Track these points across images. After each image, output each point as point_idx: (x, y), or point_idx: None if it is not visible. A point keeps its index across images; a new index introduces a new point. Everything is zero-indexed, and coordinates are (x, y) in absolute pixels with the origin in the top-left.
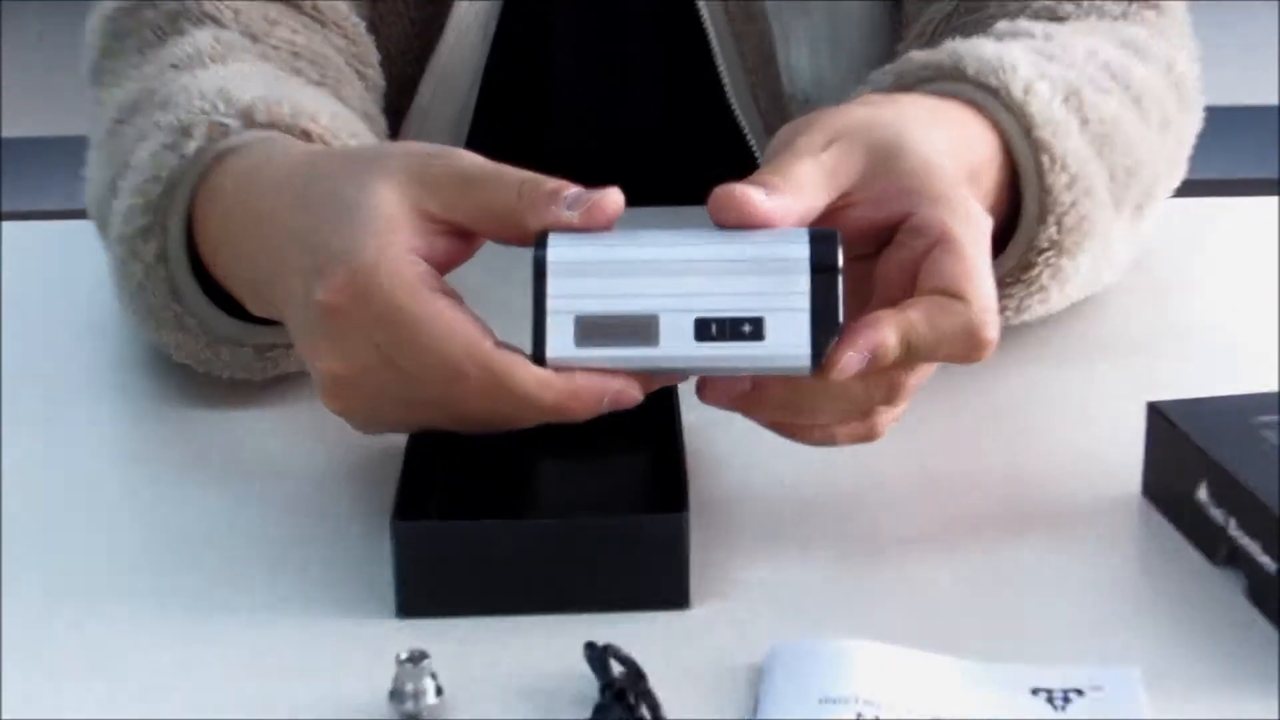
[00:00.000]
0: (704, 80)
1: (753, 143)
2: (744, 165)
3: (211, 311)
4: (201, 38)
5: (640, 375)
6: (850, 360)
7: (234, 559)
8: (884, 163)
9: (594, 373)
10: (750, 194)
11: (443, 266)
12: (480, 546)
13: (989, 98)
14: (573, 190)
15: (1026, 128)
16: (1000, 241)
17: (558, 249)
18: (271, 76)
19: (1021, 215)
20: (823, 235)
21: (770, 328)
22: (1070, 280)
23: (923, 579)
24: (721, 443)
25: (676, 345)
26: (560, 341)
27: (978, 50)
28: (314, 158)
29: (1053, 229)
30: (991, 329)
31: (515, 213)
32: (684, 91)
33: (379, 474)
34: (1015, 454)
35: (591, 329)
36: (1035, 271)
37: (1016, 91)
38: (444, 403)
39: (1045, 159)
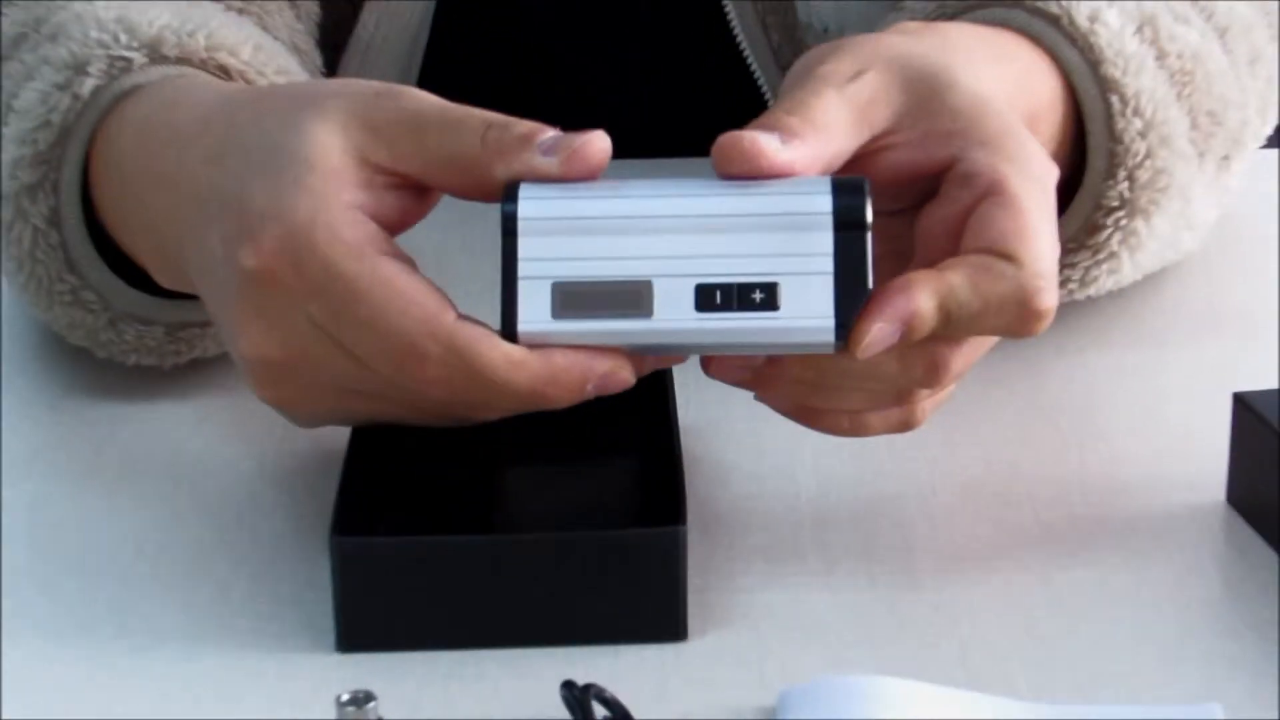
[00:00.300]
0: (704, 6)
1: (762, 82)
2: (751, 109)
3: (113, 283)
4: None
5: (632, 353)
6: (879, 333)
7: (141, 582)
8: (927, 99)
9: (576, 350)
10: (762, 142)
11: (392, 227)
12: (437, 567)
13: (1048, 28)
14: (549, 134)
15: (1093, 63)
16: (1062, 201)
17: (530, 203)
18: (182, 2)
19: (1087, 169)
20: (848, 185)
21: (786, 295)
22: (1144, 246)
23: (965, 604)
24: (725, 443)
25: (674, 316)
26: (534, 312)
27: None
28: (234, 99)
29: (1124, 185)
30: (1047, 296)
31: (479, 161)
32: (679, 20)
33: (318, 479)
34: (1075, 455)
35: (572, 298)
36: (1103, 235)
37: (1081, 20)
38: (396, 389)
39: (1115, 100)
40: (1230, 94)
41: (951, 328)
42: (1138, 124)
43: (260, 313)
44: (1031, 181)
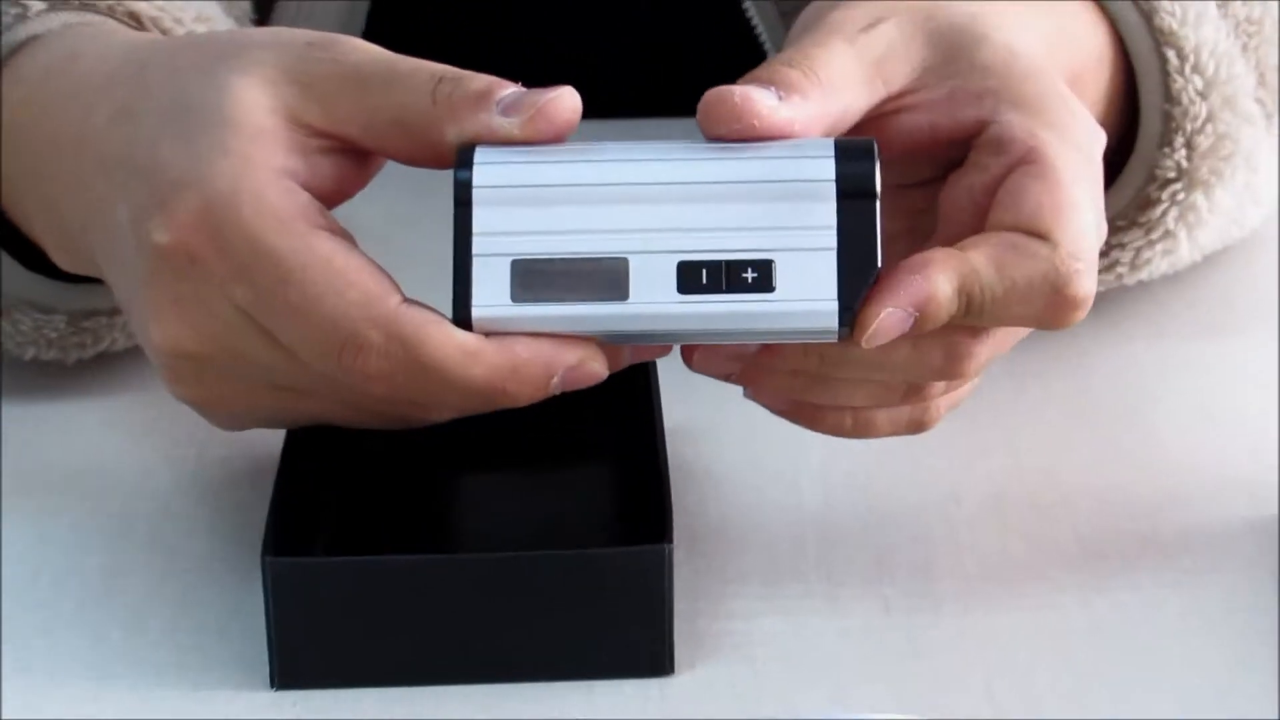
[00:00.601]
0: None
1: (764, 37)
2: (747, 64)
3: (6, 265)
4: None
5: (605, 343)
6: (888, 319)
7: (41, 610)
8: (953, 55)
9: (540, 339)
10: (755, 97)
11: (328, 197)
12: (386, 592)
13: None
14: (509, 90)
15: (1146, 13)
16: (1110, 172)
17: (487, 168)
18: None
19: (1139, 134)
20: (854, 147)
21: (782, 274)
22: (1204, 223)
23: (992, 632)
24: (717, 447)
25: (653, 299)
26: (491, 295)
27: None
28: (146, 50)
29: (1181, 153)
30: (1084, 281)
31: (428, 121)
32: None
33: (247, 491)
34: (1119, 462)
35: (534, 277)
36: (1158, 211)
37: None
38: (332, 385)
39: (1171, 55)
40: None
41: (973, 316)
42: (1198, 82)
43: (175, 297)
44: (1074, 150)
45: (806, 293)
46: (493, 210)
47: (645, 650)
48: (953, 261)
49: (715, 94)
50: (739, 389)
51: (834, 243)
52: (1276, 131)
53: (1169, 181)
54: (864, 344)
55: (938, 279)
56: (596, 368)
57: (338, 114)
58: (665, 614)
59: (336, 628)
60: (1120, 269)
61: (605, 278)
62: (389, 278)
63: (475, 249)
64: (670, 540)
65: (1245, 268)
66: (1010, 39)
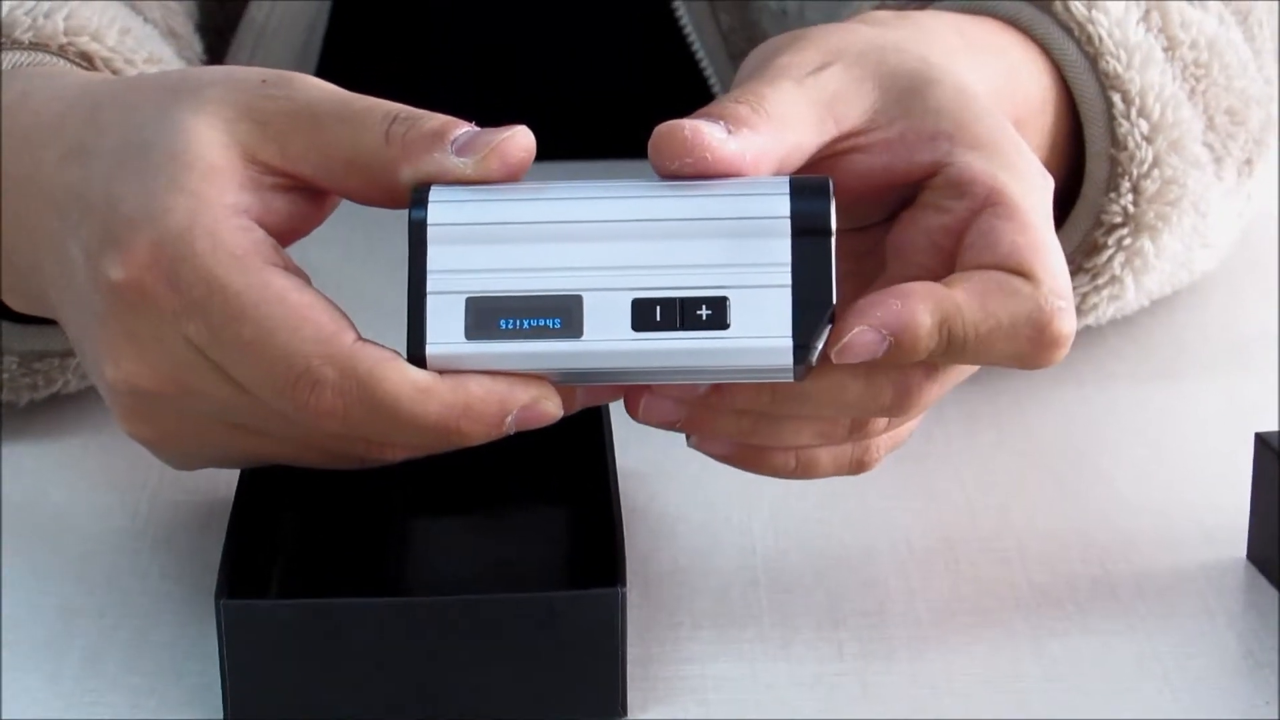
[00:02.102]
0: None
1: (709, 72)
2: (695, 102)
3: None
4: None
5: (560, 383)
6: (861, 337)
7: (2, 651)
8: (905, 96)
9: (494, 377)
10: (705, 131)
11: (284, 234)
12: (340, 635)
13: (1040, 15)
14: (462, 129)
15: (1091, 56)
16: (1057, 216)
17: (442, 207)
18: None
19: (1085, 179)
20: (809, 185)
21: (736, 311)
22: (1151, 268)
23: (945, 677)
24: (670, 490)
25: (607, 336)
26: (445, 332)
27: None
28: (98, 89)
29: (1127, 198)
30: (1066, 319)
31: (382, 161)
32: (616, 2)
33: (201, 532)
34: (1073, 505)
35: (488, 314)
36: (1104, 257)
37: (1078, 5)
38: (286, 423)
39: (1117, 99)
40: (1253, 89)
41: (953, 352)
42: (1143, 126)
43: (129, 335)
44: (1033, 192)
45: (761, 330)
46: (447, 248)
47: (598, 693)
48: (935, 294)
49: (666, 128)
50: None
51: (789, 280)
52: (1228, 176)
53: (1115, 226)
54: (833, 358)
55: (918, 308)
56: (550, 407)
57: (292, 152)
58: (618, 657)
59: (290, 670)
60: None
61: (559, 314)
62: (344, 315)
63: (430, 286)
64: (623, 584)
65: (1195, 310)
66: (960, 82)
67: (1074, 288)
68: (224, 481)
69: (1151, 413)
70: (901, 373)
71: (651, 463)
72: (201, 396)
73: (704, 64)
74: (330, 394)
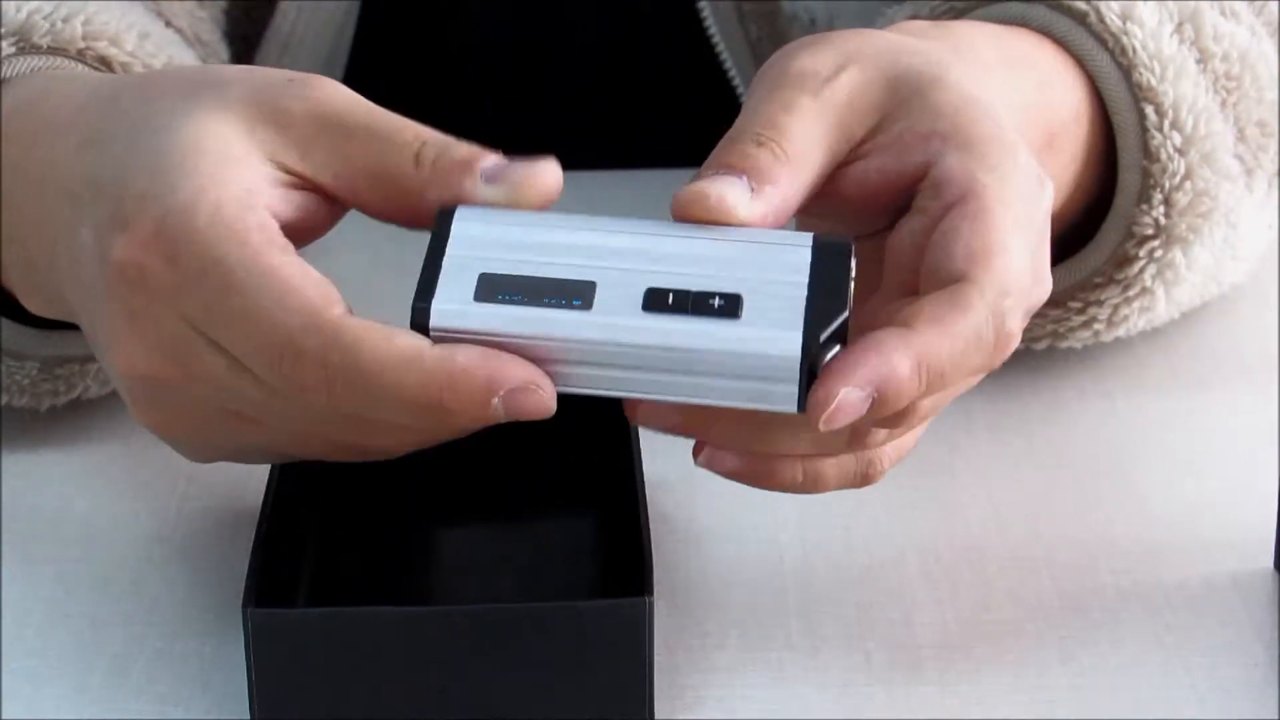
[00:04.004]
0: None
1: (736, 80)
2: (722, 108)
3: None
4: None
5: (559, 369)
6: (849, 400)
7: (23, 661)
8: (908, 97)
9: (484, 351)
10: (730, 200)
11: (294, 234)
12: (367, 644)
13: (1074, 27)
14: (491, 160)
15: (1125, 68)
16: (1089, 228)
17: (468, 221)
18: None
19: (1118, 190)
20: (832, 247)
21: (750, 307)
22: (1182, 280)
23: (973, 687)
24: (697, 500)
25: (616, 312)
26: (455, 294)
27: None
28: (117, 84)
29: (1159, 210)
30: (1014, 317)
31: (410, 183)
32: (644, 11)
33: (229, 541)
34: (1101, 516)
35: (500, 286)
36: (1135, 268)
37: (1112, 18)
38: (278, 404)
39: (1150, 111)
40: None
41: (936, 388)
42: (1176, 139)
43: (130, 316)
44: (1015, 199)
45: (772, 324)
46: (473, 226)
47: (625, 703)
48: (906, 340)
49: (689, 195)
50: None
51: (805, 285)
52: (1259, 188)
53: (1147, 238)
54: (821, 426)
55: (894, 357)
56: (543, 397)
57: (314, 158)
58: (646, 667)
59: (317, 678)
60: (1097, 325)
61: (572, 291)
62: (334, 290)
63: (448, 253)
64: (651, 593)
65: (1224, 320)
66: (968, 85)
67: (1105, 299)
68: (252, 489)
69: (1179, 423)
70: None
71: (679, 472)
72: (201, 380)
73: (731, 73)
74: (311, 365)
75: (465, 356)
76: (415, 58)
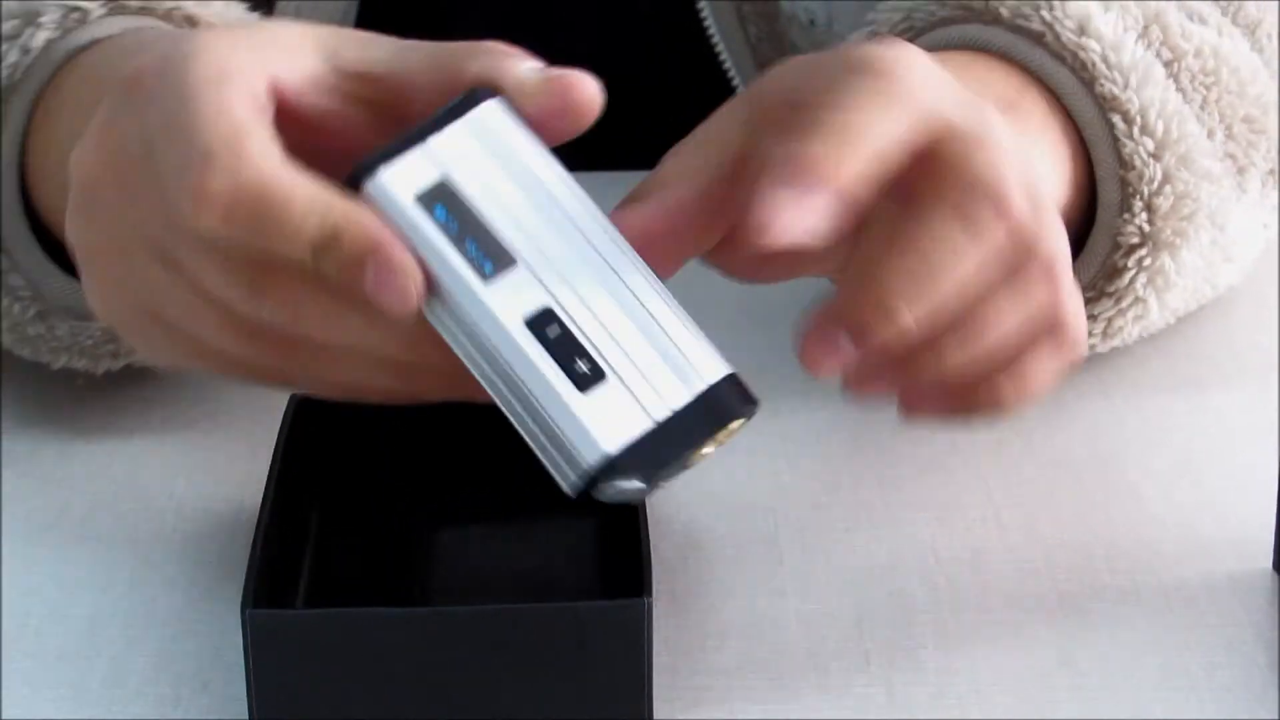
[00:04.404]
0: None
1: (737, 84)
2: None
3: (47, 269)
4: None
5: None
6: (817, 342)
7: (21, 662)
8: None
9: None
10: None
11: (321, 127)
12: (366, 644)
13: (1033, 48)
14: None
15: (1088, 82)
16: (1076, 245)
17: (485, 117)
18: None
19: (1099, 203)
20: (719, 399)
21: (602, 392)
22: (1173, 285)
23: (973, 688)
24: (696, 501)
25: (503, 305)
26: (406, 177)
27: None
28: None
29: (1142, 217)
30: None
31: (455, 53)
32: (643, 11)
33: (228, 541)
34: (1100, 517)
35: (446, 198)
36: (1126, 279)
37: (1067, 34)
38: (183, 235)
39: (1117, 120)
40: (1269, 95)
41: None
42: (1148, 144)
43: (107, 125)
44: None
45: (604, 420)
46: (486, 122)
47: (624, 704)
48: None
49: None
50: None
51: (667, 412)
52: (1252, 186)
53: (1134, 247)
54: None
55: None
56: (410, 291)
57: (371, 53)
58: (645, 668)
59: (316, 679)
60: (1093, 339)
61: (491, 254)
62: (279, 145)
63: (440, 135)
64: (650, 594)
65: (1222, 321)
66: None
67: (1098, 313)
68: (251, 490)
69: (1178, 424)
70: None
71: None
72: (131, 197)
73: (731, 73)
74: (217, 174)
75: (366, 215)
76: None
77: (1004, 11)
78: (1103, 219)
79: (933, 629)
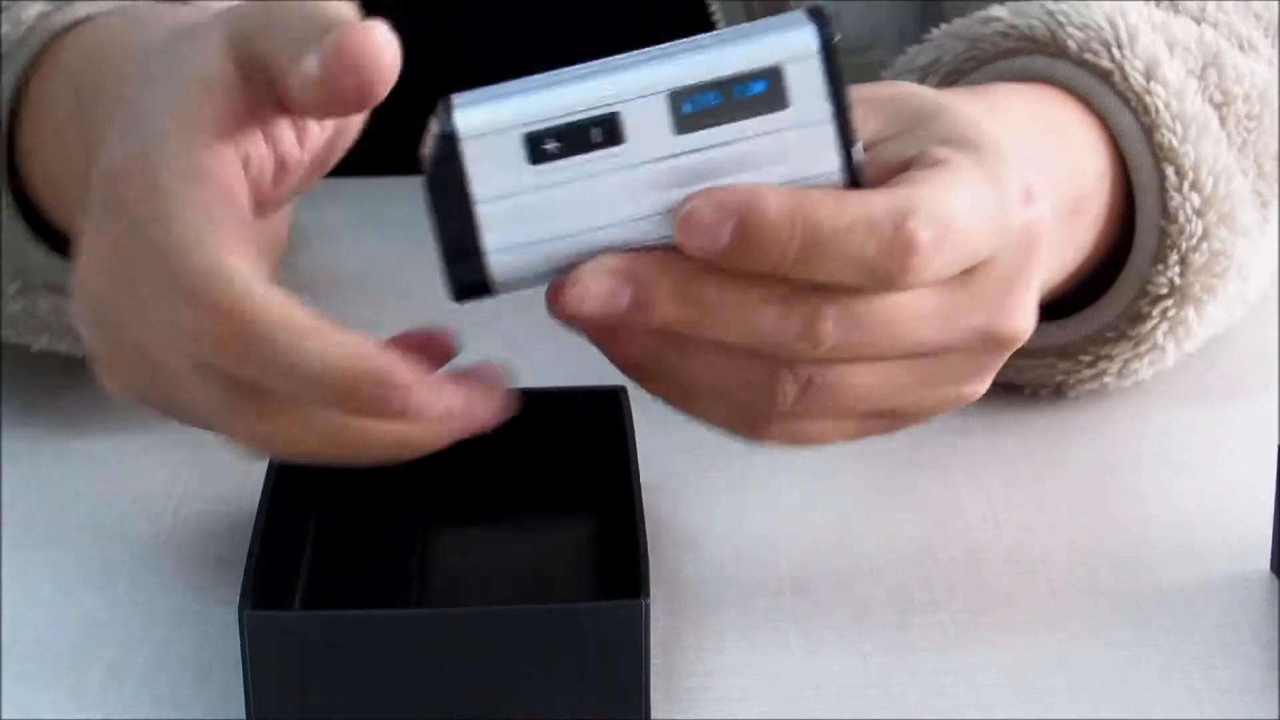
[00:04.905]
0: None
1: None
2: None
3: (28, 244)
4: None
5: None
6: (700, 213)
7: (18, 665)
8: (904, 127)
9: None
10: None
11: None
12: (364, 645)
13: (1098, 84)
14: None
15: (1148, 128)
16: (1105, 283)
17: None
18: None
19: (1134, 248)
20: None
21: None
22: (1193, 335)
23: (971, 689)
24: (693, 503)
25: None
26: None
27: (1083, 11)
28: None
29: (1174, 270)
30: (924, 227)
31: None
32: (649, 9)
33: (226, 542)
34: (1097, 518)
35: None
36: (1148, 326)
37: (1135, 76)
38: (183, 362)
39: (1170, 172)
40: None
41: (811, 252)
42: (1195, 200)
43: (95, 231)
44: (984, 179)
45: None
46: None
47: (622, 705)
48: (789, 191)
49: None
50: (716, 444)
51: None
52: (1273, 217)
53: (1161, 297)
54: (676, 228)
55: (767, 194)
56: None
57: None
58: (642, 668)
59: (314, 681)
60: (1107, 379)
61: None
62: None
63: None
64: (647, 595)
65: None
66: (972, 117)
67: (1115, 354)
68: (248, 491)
69: (1175, 425)
70: (809, 299)
71: (676, 474)
72: (136, 308)
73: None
74: (206, 316)
75: (382, 356)
76: (414, 56)
77: (1072, 45)
78: (1136, 265)
79: (931, 630)
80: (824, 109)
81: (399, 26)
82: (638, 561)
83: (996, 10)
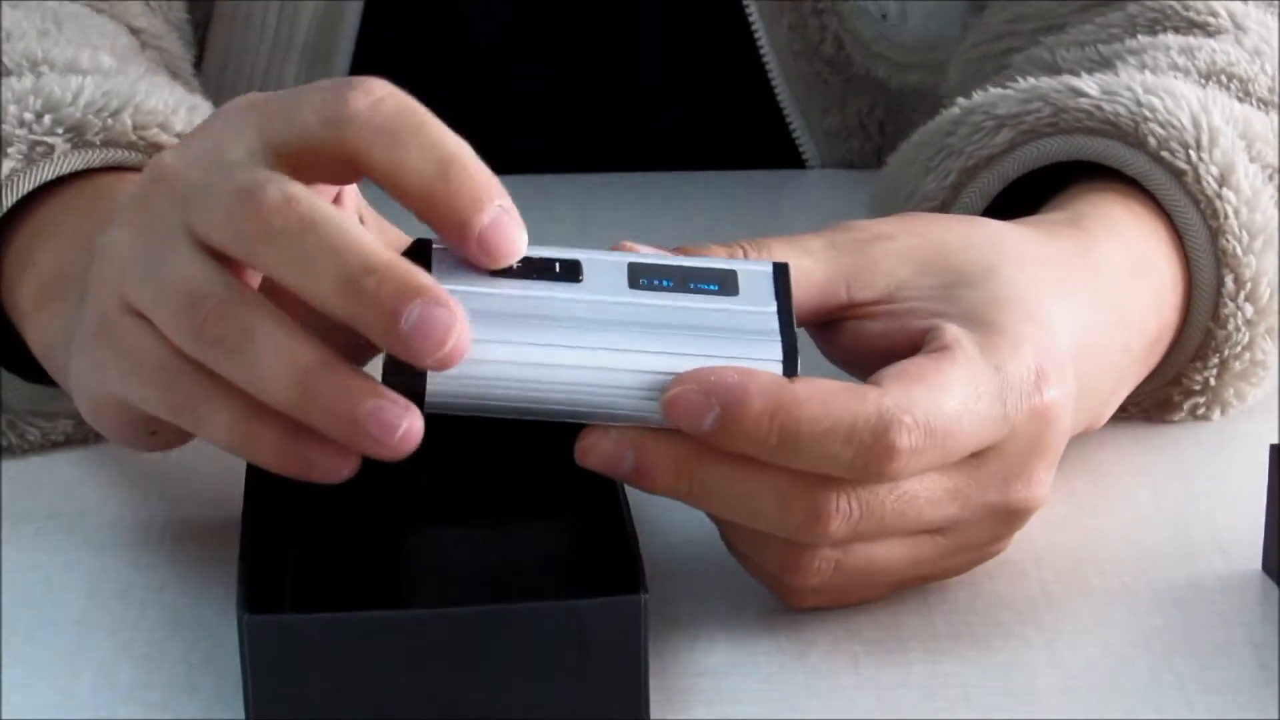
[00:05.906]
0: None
1: (773, 70)
2: (760, 112)
3: (7, 382)
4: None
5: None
6: (686, 396)
7: (10, 668)
8: (938, 284)
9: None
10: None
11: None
12: (364, 647)
13: (1171, 181)
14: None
15: (1214, 231)
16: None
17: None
18: (108, 64)
19: (1177, 343)
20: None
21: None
22: (1212, 422)
23: (962, 690)
24: (683, 507)
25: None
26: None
27: (1171, 107)
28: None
29: (1212, 372)
30: (904, 433)
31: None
32: (687, 27)
33: (218, 543)
34: (1088, 518)
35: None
36: (1175, 415)
37: (1210, 180)
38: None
39: (1229, 280)
40: None
41: (786, 448)
42: (1249, 310)
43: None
44: (985, 371)
45: (761, 301)
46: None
47: (621, 700)
48: (776, 384)
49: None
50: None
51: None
52: None
53: (1193, 393)
54: (663, 409)
55: (751, 389)
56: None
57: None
58: (641, 665)
59: (314, 683)
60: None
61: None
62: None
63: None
64: (645, 589)
65: None
66: (1012, 287)
67: (1129, 416)
68: (238, 493)
69: (1167, 426)
70: (809, 489)
71: None
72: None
73: (768, 60)
74: (275, 189)
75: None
76: (420, 57)
77: (1152, 142)
78: (1175, 360)
79: (922, 631)
80: (770, 306)
81: (410, 28)
82: (626, 560)
83: (1088, 85)
